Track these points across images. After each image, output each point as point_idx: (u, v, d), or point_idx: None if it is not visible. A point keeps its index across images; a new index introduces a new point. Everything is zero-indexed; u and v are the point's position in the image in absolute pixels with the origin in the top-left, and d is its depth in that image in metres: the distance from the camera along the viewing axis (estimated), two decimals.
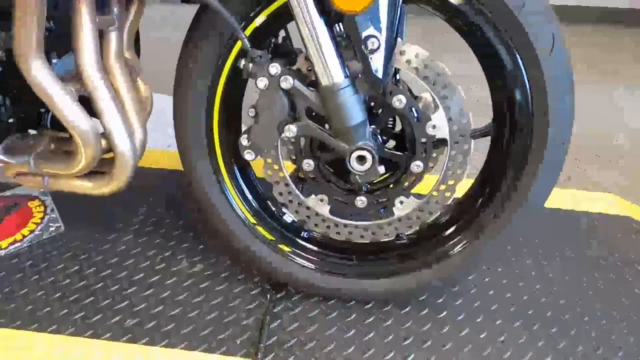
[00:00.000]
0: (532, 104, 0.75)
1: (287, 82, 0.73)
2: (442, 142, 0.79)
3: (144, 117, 1.01)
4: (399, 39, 0.73)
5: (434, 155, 0.81)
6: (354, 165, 0.76)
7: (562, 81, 0.75)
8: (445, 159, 0.80)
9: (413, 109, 0.78)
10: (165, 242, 1.17)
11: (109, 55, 0.90)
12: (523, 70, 0.74)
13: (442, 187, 0.82)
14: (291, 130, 0.76)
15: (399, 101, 0.77)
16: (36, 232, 1.18)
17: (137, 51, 1.09)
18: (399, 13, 0.73)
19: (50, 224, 1.20)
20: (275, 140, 0.77)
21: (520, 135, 0.79)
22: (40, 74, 0.76)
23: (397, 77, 0.80)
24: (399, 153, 0.83)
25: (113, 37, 0.90)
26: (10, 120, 0.92)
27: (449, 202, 0.83)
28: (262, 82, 0.74)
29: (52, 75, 0.78)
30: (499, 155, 0.84)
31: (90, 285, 1.05)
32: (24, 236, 1.17)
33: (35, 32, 0.74)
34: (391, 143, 0.92)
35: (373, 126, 0.80)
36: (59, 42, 0.85)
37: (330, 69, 0.70)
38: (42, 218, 1.22)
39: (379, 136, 0.82)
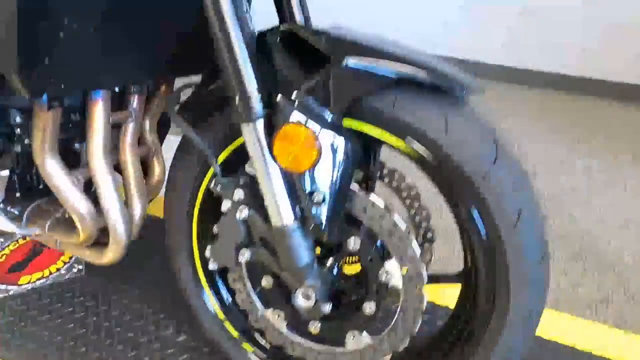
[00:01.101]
0: (494, 273, 0.71)
1: (243, 213, 0.76)
2: (397, 290, 0.77)
3: (149, 197, 1.11)
4: (354, 187, 0.73)
5: (387, 301, 0.79)
6: (299, 301, 0.77)
7: (528, 254, 0.69)
8: (397, 309, 0.78)
9: (368, 252, 0.77)
10: (162, 302, 1.25)
11: (123, 144, 1.01)
12: (485, 239, 0.70)
13: (393, 334, 0.79)
14: (245, 254, 0.79)
15: (354, 244, 0.76)
16: (61, 271, 1.34)
17: (165, 128, 1.20)
18: (359, 158, 0.73)
19: (74, 265, 1.35)
20: (233, 260, 0.81)
21: (481, 299, 0.74)
22: (50, 168, 0.88)
23: None
24: (352, 292, 0.82)
25: (129, 128, 1.00)
26: (40, 187, 1.07)
27: (400, 349, 0.80)
28: (226, 206, 0.79)
29: (61, 168, 0.89)
30: (461, 312, 0.80)
31: (88, 335, 1.16)
32: (50, 273, 1.33)
33: (49, 135, 0.85)
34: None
35: (331, 259, 0.80)
36: (77, 130, 0.97)
37: (281, 211, 0.72)
38: (70, 258, 1.37)
39: (336, 268, 0.81)
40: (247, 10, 0.87)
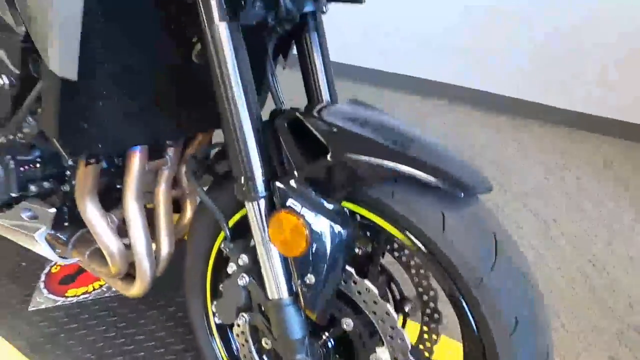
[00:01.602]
0: None
1: (244, 280, 0.79)
2: None
3: (180, 235, 1.18)
4: (350, 269, 0.73)
5: None
6: None
7: None
8: None
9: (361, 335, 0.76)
10: (184, 332, 1.32)
11: (158, 188, 1.08)
12: (480, 343, 0.67)
13: None
14: (244, 317, 0.82)
15: (347, 325, 0.76)
16: (103, 289, 1.45)
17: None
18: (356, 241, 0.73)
19: None
20: (234, 319, 0.84)
21: None
22: (88, 212, 0.97)
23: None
24: None
25: (164, 174, 1.08)
26: None
27: None
28: (231, 268, 0.82)
29: (98, 211, 0.99)
30: None
31: (113, 355, 1.25)
32: (94, 289, 1.45)
33: (89, 185, 0.94)
34: None
35: (324, 336, 0.80)
36: (118, 173, 1.06)
37: (276, 285, 0.74)
38: None
39: (328, 345, 0.81)
40: (275, 84, 0.91)
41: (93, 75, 0.74)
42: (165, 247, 1.09)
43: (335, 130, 0.68)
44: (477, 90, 2.79)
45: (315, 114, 0.72)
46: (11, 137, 0.90)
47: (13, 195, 1.01)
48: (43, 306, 1.41)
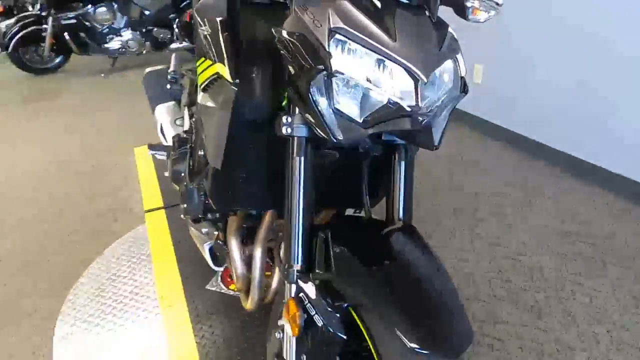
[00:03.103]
0: None
1: (279, 334, 1.04)
2: None
3: None
4: None
5: None
6: None
7: None
8: None
9: None
10: None
11: (280, 238, 1.44)
12: None
13: None
14: None
15: None
16: None
17: None
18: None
19: None
20: None
21: None
22: (232, 244, 1.40)
23: None
24: None
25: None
26: None
27: None
28: (280, 322, 1.08)
29: (238, 244, 1.40)
30: None
31: (233, 345, 1.68)
32: None
33: (234, 227, 1.37)
34: None
35: None
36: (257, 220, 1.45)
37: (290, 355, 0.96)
38: None
39: None
40: (366, 198, 1.09)
41: (232, 165, 1.12)
42: (275, 283, 1.44)
43: (345, 257, 0.86)
44: None
45: (347, 238, 0.90)
46: (197, 185, 1.40)
47: (199, 216, 1.53)
48: (214, 289, 1.97)
